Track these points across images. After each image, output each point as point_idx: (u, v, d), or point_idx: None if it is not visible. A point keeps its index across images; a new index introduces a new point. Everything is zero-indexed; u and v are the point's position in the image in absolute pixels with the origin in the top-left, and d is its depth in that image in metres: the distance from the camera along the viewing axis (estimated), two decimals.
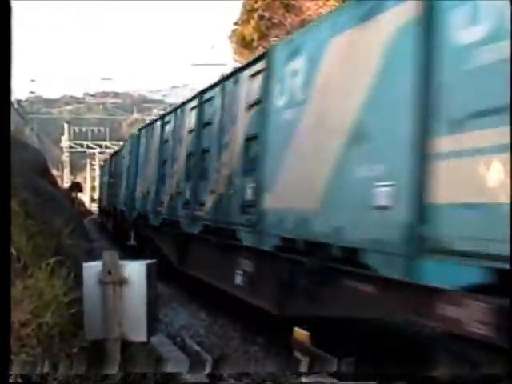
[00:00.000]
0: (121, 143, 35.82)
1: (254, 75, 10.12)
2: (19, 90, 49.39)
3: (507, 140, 4.56)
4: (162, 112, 23.16)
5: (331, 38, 7.52)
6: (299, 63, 8.33)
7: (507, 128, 4.57)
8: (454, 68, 5.34)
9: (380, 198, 6.20)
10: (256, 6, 29.11)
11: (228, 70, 21.72)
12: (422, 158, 5.58)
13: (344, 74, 7.17)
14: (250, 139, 9.97)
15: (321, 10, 23.92)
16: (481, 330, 4.74)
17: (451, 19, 5.42)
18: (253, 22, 29.13)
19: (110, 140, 64.39)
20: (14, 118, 32.39)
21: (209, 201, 11.86)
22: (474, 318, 4.82)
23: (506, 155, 4.60)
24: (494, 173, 4.72)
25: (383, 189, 6.16)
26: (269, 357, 8.97)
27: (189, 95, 16.47)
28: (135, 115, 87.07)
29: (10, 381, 4.86)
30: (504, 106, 4.65)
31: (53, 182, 23.51)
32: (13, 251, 6.91)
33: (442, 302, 5.25)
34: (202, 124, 12.88)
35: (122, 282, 6.74)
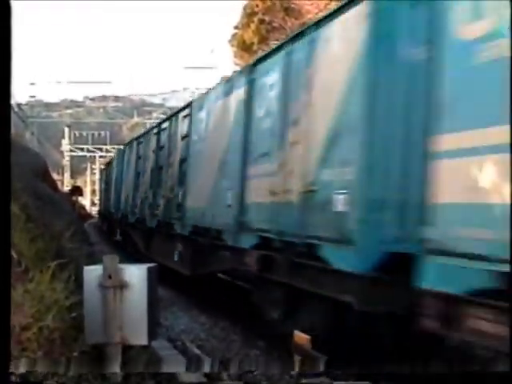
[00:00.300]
0: (121, 147, 36.48)
1: (185, 117, 14.98)
2: (19, 93, 49.54)
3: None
4: (143, 131, 26.19)
5: (217, 101, 12.28)
6: (202, 114, 13.28)
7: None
8: (255, 129, 10.02)
9: (228, 200, 10.87)
10: (256, 9, 29.18)
11: (228, 73, 21.75)
12: (243, 178, 10.25)
13: (219, 125, 11.94)
14: (182, 161, 14.55)
15: (321, 14, 23.94)
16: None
17: (255, 101, 10.14)
18: (253, 26, 29.20)
19: (110, 144, 64.32)
20: (15, 122, 32.43)
21: (161, 203, 16.37)
22: None
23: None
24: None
25: (229, 194, 10.85)
26: (270, 360, 8.96)
27: (189, 99, 17.40)
28: (135, 119, 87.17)
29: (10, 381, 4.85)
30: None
31: (53, 185, 23.51)
32: (14, 254, 6.91)
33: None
34: (159, 147, 17.54)
35: (122, 285, 6.73)
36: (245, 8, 30.73)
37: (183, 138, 14.69)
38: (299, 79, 8.39)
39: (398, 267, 5.89)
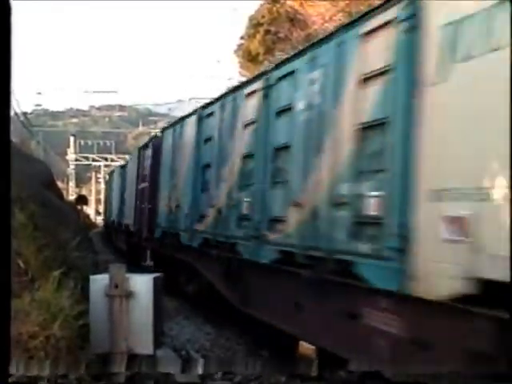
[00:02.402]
0: (126, 156, 37.23)
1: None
2: (25, 102, 49.74)
3: None
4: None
5: (169, 136, 16.27)
6: (167, 145, 16.40)
7: None
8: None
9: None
10: (262, 20, 29.26)
11: (234, 83, 21.82)
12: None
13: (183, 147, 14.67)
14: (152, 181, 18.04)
15: (326, 25, 24.02)
16: None
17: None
18: (259, 37, 29.26)
19: (115, 153, 64.47)
20: (21, 131, 32.53)
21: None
22: None
23: None
24: None
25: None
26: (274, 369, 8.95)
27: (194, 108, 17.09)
28: (141, 128, 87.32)
29: (10, 381, 4.86)
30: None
31: (59, 194, 23.57)
32: (20, 263, 6.96)
33: None
34: (138, 174, 21.76)
35: (128, 295, 6.77)
36: (251, 19, 30.82)
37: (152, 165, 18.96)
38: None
39: None
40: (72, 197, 53.80)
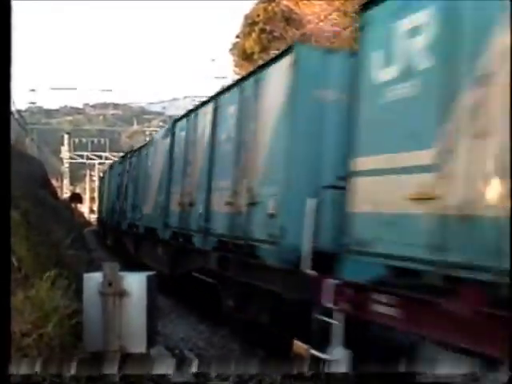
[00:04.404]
0: (121, 154, 37.32)
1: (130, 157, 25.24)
2: (19, 100, 49.59)
3: None
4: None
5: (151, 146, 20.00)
6: (152, 149, 19.82)
7: None
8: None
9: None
10: (257, 19, 29.26)
11: (228, 82, 21.80)
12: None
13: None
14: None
15: (321, 24, 24.03)
16: None
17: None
18: (254, 35, 29.26)
19: (109, 151, 64.30)
20: (15, 129, 32.45)
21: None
22: None
23: None
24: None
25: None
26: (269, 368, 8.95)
27: (190, 107, 17.34)
28: (135, 127, 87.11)
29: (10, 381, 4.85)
30: None
31: (53, 192, 23.55)
32: (14, 261, 6.92)
33: None
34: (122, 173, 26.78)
35: (122, 293, 6.75)
36: (246, 17, 30.82)
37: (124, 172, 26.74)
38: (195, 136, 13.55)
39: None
40: (66, 195, 53.73)
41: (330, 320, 6.47)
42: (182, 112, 16.92)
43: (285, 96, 8.74)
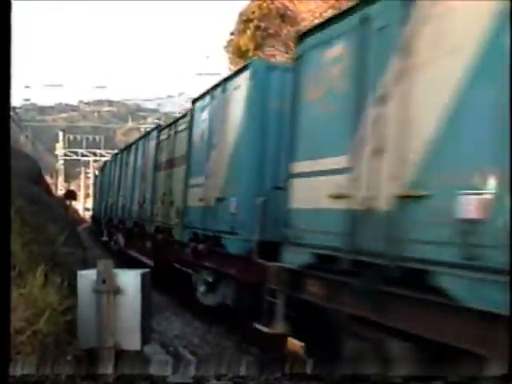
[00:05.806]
0: (116, 151, 37.30)
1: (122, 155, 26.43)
2: (14, 97, 49.37)
3: None
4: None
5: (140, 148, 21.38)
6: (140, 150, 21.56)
7: None
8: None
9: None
10: (252, 16, 29.20)
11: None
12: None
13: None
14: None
15: (316, 21, 23.99)
16: None
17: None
18: (249, 32, 29.19)
19: (104, 148, 64.22)
20: (10, 126, 32.39)
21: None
22: None
23: None
24: None
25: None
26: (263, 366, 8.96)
27: (185, 104, 17.77)
28: (130, 124, 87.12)
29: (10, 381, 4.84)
30: None
31: (47, 189, 23.50)
32: None
33: None
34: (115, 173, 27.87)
35: (116, 291, 6.74)
36: (241, 14, 30.75)
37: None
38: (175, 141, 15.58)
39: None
40: (61, 192, 53.64)
41: (275, 300, 7.69)
42: (177, 109, 17.15)
43: (243, 106, 10.23)
